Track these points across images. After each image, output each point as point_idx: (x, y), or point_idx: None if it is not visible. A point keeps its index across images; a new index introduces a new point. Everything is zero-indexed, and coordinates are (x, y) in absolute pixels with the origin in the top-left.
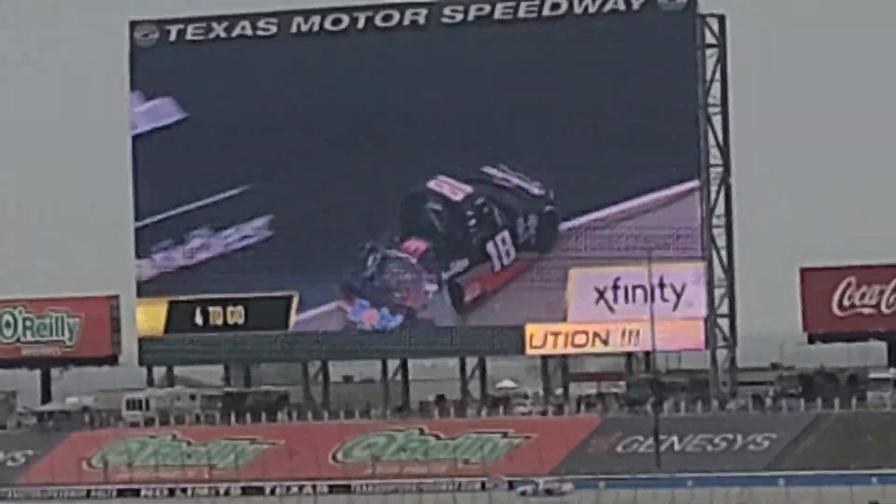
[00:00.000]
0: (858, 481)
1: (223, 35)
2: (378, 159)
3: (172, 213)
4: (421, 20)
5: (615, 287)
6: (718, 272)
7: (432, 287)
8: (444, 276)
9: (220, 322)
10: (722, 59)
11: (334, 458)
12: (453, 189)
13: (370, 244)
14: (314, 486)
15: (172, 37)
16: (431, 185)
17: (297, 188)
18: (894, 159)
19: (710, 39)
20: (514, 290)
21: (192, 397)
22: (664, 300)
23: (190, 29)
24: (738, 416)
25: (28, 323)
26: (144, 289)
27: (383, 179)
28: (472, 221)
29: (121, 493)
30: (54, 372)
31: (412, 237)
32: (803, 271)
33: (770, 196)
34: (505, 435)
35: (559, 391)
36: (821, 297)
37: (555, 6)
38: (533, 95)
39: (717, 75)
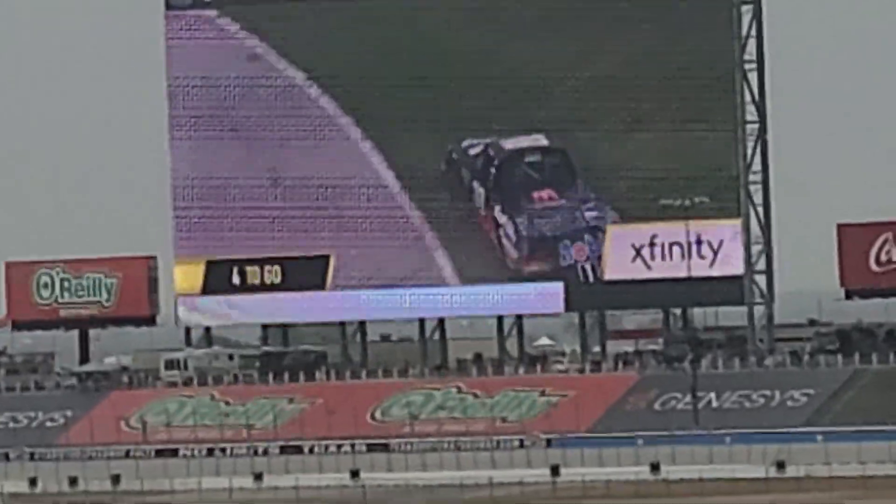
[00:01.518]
0: None
1: None
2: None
3: (211, 175)
4: None
5: (651, 244)
6: (755, 229)
7: None
8: None
9: (257, 282)
10: (757, 15)
11: (373, 416)
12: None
13: None
14: (353, 445)
15: None
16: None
17: None
18: None
19: None
20: None
21: (230, 357)
22: (701, 257)
23: None
24: (776, 372)
25: (66, 284)
26: (182, 249)
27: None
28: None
29: (159, 452)
30: (93, 332)
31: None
32: (840, 227)
33: (807, 153)
34: (543, 393)
35: (597, 349)
36: (858, 253)
37: None
38: (570, 49)
39: (753, 31)
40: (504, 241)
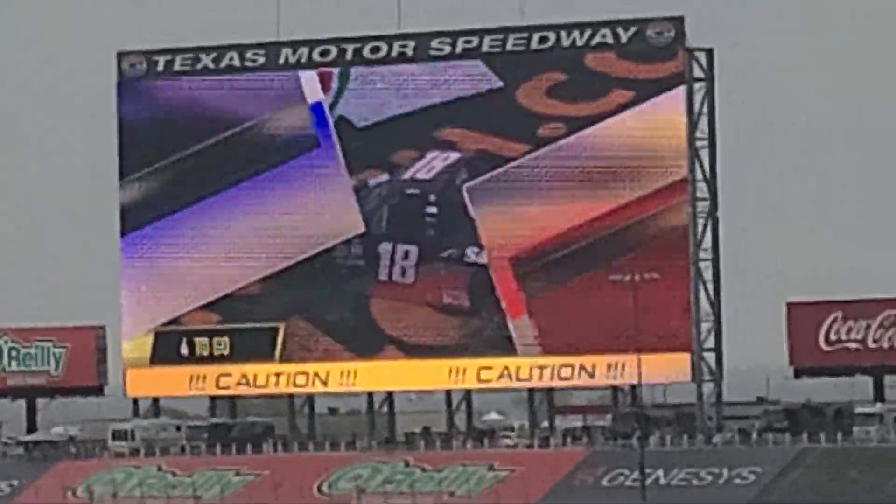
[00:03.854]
0: None
1: (211, 66)
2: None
3: (159, 240)
4: (409, 52)
5: None
6: (705, 306)
7: None
8: None
9: (206, 353)
10: (710, 93)
11: (320, 489)
12: None
13: None
14: None
15: (160, 67)
16: None
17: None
18: (881, 195)
19: (697, 73)
20: None
21: (178, 428)
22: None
23: (178, 60)
24: (724, 449)
25: (13, 352)
26: (129, 319)
27: None
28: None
29: None
30: (40, 401)
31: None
32: (790, 305)
33: (757, 230)
34: (491, 467)
35: (545, 424)
36: (807, 331)
37: (543, 39)
38: (520, 126)
39: (705, 109)
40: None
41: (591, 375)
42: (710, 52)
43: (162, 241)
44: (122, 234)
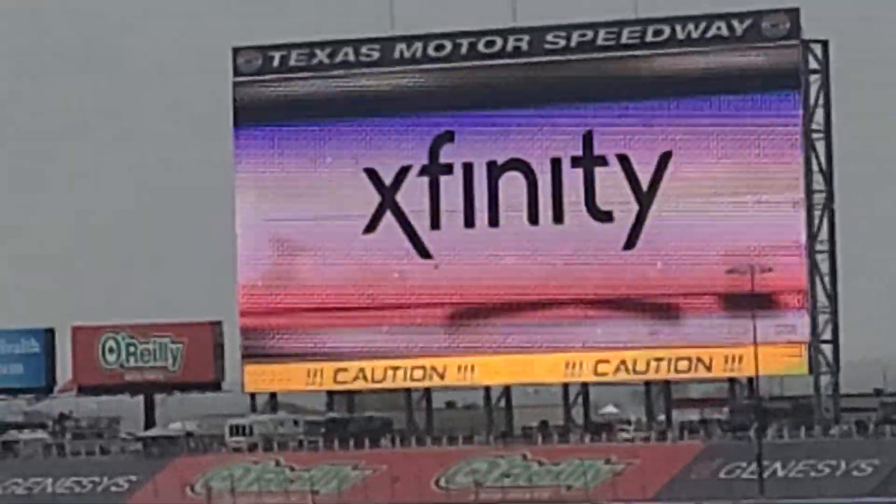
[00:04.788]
0: None
1: (326, 61)
2: None
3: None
4: (524, 46)
5: None
6: (822, 298)
7: None
8: None
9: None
10: (825, 85)
11: (437, 484)
12: None
13: None
14: None
15: (276, 62)
16: None
17: None
18: None
19: (813, 65)
20: None
21: (296, 423)
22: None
23: (293, 55)
24: (842, 441)
25: (131, 349)
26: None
27: None
28: None
29: None
30: (158, 397)
31: None
32: None
33: (874, 221)
34: (608, 461)
35: (662, 417)
36: None
37: (657, 32)
38: (636, 121)
39: (821, 101)
40: None
41: (708, 368)
42: (825, 44)
43: (278, 235)
44: (240, 231)
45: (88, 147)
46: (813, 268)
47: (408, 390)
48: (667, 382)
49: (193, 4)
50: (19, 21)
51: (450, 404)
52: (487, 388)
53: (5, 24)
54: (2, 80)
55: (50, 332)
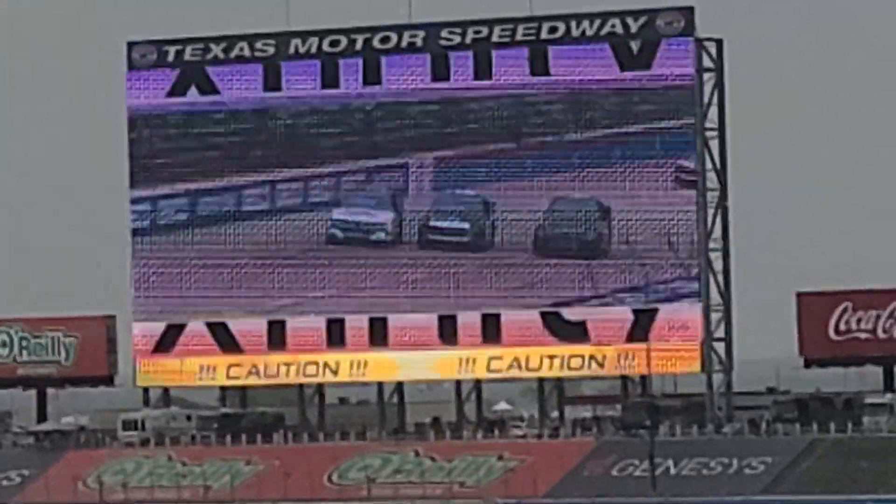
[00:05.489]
0: None
1: (221, 56)
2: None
3: (169, 234)
4: (419, 42)
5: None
6: (715, 296)
7: None
8: None
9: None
10: (719, 84)
11: (330, 479)
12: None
13: None
14: None
15: (170, 57)
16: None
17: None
18: (890, 184)
19: (707, 63)
20: None
21: (188, 418)
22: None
23: (188, 49)
24: (734, 440)
25: (24, 342)
26: (140, 309)
27: None
28: None
29: None
30: (51, 391)
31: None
32: (800, 296)
33: (767, 220)
34: (501, 458)
35: (555, 414)
36: (817, 321)
37: (552, 29)
38: (531, 119)
39: (715, 99)
40: None
41: (601, 365)
42: (719, 42)
43: (171, 231)
44: (133, 228)
45: None
46: (707, 265)
47: (300, 386)
48: (559, 379)
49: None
50: None
51: (342, 400)
52: (380, 384)
53: None
54: None
55: None
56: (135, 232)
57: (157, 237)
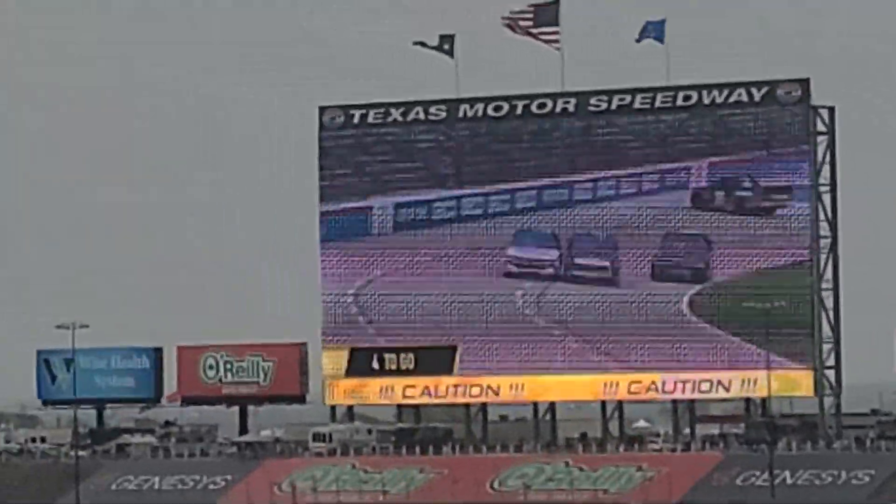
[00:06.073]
0: None
1: (399, 119)
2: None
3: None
4: (571, 108)
5: None
6: (826, 329)
7: None
8: None
9: (394, 367)
10: (831, 145)
11: (491, 486)
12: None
13: None
14: None
15: (356, 120)
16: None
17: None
18: None
19: (820, 128)
20: None
21: (369, 431)
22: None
23: (371, 113)
24: (843, 454)
25: (228, 366)
26: (329, 337)
27: None
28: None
29: None
30: (251, 408)
31: None
32: None
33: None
34: (640, 468)
35: (687, 431)
36: None
37: (686, 97)
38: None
39: (828, 158)
40: None
41: (727, 389)
42: (831, 109)
43: (358, 269)
44: (323, 268)
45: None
46: (819, 303)
47: (467, 405)
48: (692, 401)
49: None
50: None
51: (503, 417)
52: (535, 404)
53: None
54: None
55: (158, 351)
56: (323, 272)
57: (344, 271)
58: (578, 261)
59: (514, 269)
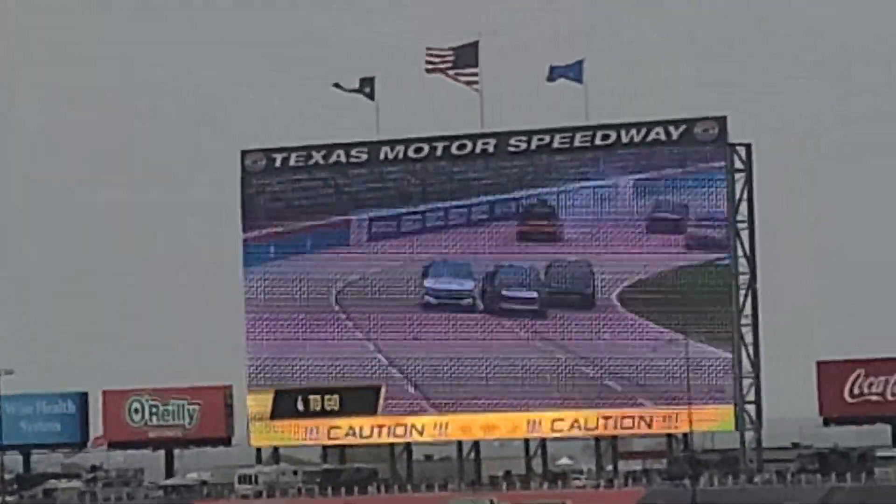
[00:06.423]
0: None
1: (321, 161)
2: None
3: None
4: (490, 149)
5: None
6: (746, 365)
7: None
8: None
9: (318, 408)
10: (749, 182)
11: None
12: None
13: None
14: None
15: (277, 163)
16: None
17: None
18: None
19: (738, 165)
20: None
21: (295, 473)
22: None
23: (293, 157)
24: (764, 488)
25: (154, 409)
26: (254, 380)
27: None
28: None
29: None
30: (176, 451)
31: None
32: (819, 364)
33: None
34: None
35: (609, 467)
36: (835, 386)
37: (605, 137)
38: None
39: (745, 195)
40: None
41: (650, 425)
42: (748, 147)
43: (281, 315)
44: (247, 308)
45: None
46: (739, 339)
47: (391, 445)
48: (614, 437)
49: (204, 112)
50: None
51: (427, 457)
52: (460, 443)
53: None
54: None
55: (84, 395)
56: (247, 312)
57: (267, 314)
58: (505, 293)
59: (432, 300)
